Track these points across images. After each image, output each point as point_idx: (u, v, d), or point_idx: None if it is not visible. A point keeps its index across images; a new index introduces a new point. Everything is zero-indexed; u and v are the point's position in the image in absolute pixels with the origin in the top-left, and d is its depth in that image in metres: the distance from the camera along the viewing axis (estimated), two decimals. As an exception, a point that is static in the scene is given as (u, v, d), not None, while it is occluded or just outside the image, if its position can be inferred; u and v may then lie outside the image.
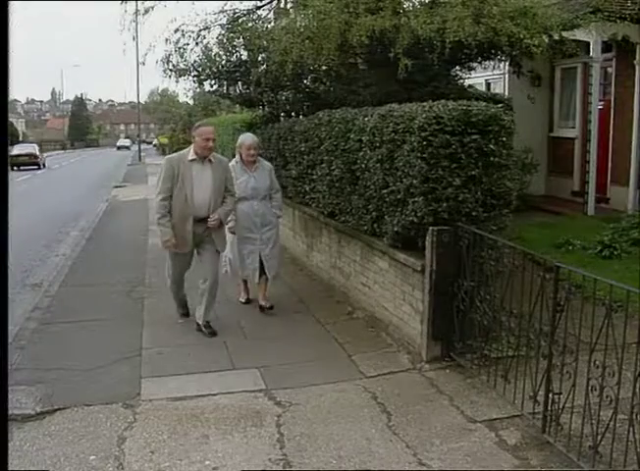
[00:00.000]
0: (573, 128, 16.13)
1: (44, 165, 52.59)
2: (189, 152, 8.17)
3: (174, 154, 8.78)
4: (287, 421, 5.93)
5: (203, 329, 8.27)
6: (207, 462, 5.23)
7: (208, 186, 8.10)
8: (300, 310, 9.11)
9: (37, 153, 52.80)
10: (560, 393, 5.24)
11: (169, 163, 8.19)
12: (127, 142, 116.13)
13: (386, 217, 7.73)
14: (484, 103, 7.00)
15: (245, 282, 9.53)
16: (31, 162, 50.67)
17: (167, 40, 12.91)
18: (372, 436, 5.62)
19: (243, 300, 9.54)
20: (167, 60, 13.19)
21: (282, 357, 7.42)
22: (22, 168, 47.78)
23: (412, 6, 11.07)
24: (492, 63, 12.54)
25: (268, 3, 13.48)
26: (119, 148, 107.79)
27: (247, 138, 9.28)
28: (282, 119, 13.83)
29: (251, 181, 9.03)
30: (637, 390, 4.45)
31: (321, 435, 5.64)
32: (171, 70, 13.32)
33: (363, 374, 6.92)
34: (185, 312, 8.86)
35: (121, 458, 5.29)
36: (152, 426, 5.82)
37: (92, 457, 5.29)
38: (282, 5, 13.84)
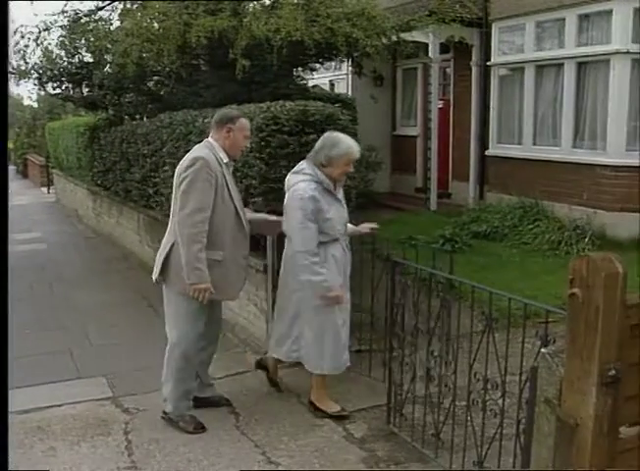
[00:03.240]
0: (415, 126, 16.61)
1: None
2: (218, 151, 5.65)
3: (199, 152, 5.64)
4: (135, 428, 5.87)
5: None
6: (54, 474, 5.10)
7: (239, 200, 5.87)
8: (148, 314, 8.97)
9: None
10: (402, 385, 5.39)
11: (206, 164, 5.47)
12: None
13: (229, 218, 7.70)
14: (321, 103, 7.10)
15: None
16: None
17: (5, 42, 12.54)
18: (221, 437, 5.62)
19: (337, 412, 5.93)
20: (6, 62, 12.80)
21: (129, 363, 7.33)
22: None
23: (253, 7, 11.13)
24: (334, 63, 12.76)
25: (109, 4, 13.26)
26: None
27: (356, 147, 5.74)
28: (126, 122, 13.65)
29: (341, 210, 5.91)
30: (473, 377, 4.62)
31: (170, 439, 5.61)
32: (11, 72, 12.94)
33: (211, 376, 6.90)
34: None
35: (-38, 477, 5.11)
36: (-4, 441, 5.64)
37: None
38: (127, 6, 13.65)
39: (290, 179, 5.80)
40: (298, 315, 5.82)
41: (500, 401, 4.45)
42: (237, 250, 5.69)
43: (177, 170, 5.67)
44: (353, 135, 7.26)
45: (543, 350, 3.26)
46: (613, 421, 2.92)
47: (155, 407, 6.13)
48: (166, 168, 9.48)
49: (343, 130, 6.95)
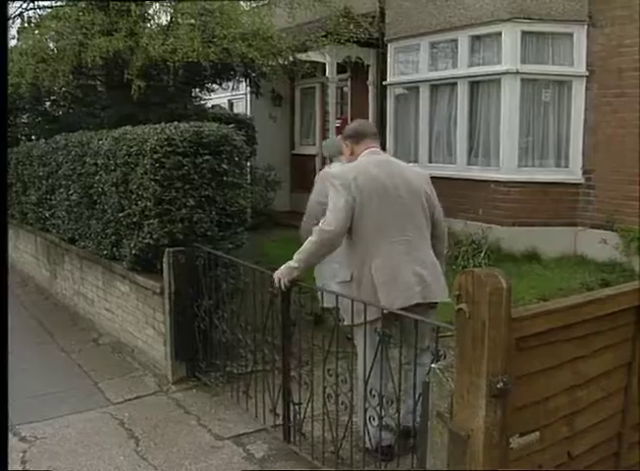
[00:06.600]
0: (314, 145, 16.70)
1: None
2: None
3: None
4: (32, 457, 5.69)
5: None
6: (-57, 510, 4.95)
7: None
8: (45, 340, 8.77)
9: None
10: (301, 404, 5.40)
11: None
12: None
13: (124, 240, 7.65)
14: (216, 124, 7.11)
15: None
16: None
17: None
18: (120, 463, 5.51)
19: None
20: None
21: (26, 391, 7.09)
22: None
23: (149, 28, 11.07)
24: (232, 83, 12.78)
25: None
26: None
27: None
28: (22, 143, 13.38)
29: None
30: (369, 394, 4.67)
31: (68, 467, 5.46)
32: None
33: (110, 401, 6.78)
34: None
35: None
36: None
37: None
38: (25, 25, 13.41)
39: None
40: None
41: (395, 416, 4.50)
42: None
43: (413, 176, 5.45)
44: (251, 155, 7.30)
45: (433, 366, 3.31)
46: (502, 432, 2.98)
47: (54, 435, 6.00)
48: (61, 190, 9.33)
49: (237, 150, 7.00)
